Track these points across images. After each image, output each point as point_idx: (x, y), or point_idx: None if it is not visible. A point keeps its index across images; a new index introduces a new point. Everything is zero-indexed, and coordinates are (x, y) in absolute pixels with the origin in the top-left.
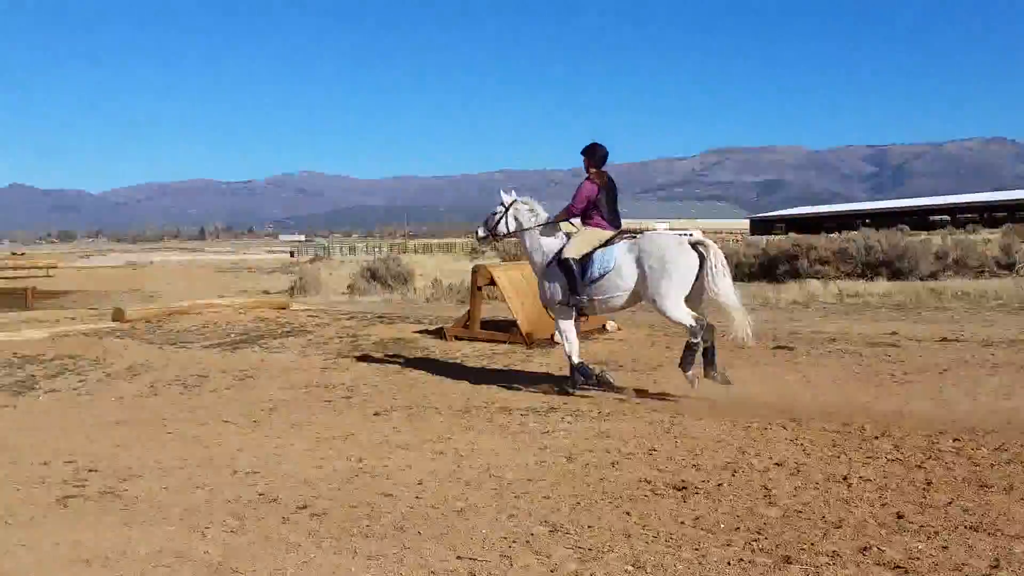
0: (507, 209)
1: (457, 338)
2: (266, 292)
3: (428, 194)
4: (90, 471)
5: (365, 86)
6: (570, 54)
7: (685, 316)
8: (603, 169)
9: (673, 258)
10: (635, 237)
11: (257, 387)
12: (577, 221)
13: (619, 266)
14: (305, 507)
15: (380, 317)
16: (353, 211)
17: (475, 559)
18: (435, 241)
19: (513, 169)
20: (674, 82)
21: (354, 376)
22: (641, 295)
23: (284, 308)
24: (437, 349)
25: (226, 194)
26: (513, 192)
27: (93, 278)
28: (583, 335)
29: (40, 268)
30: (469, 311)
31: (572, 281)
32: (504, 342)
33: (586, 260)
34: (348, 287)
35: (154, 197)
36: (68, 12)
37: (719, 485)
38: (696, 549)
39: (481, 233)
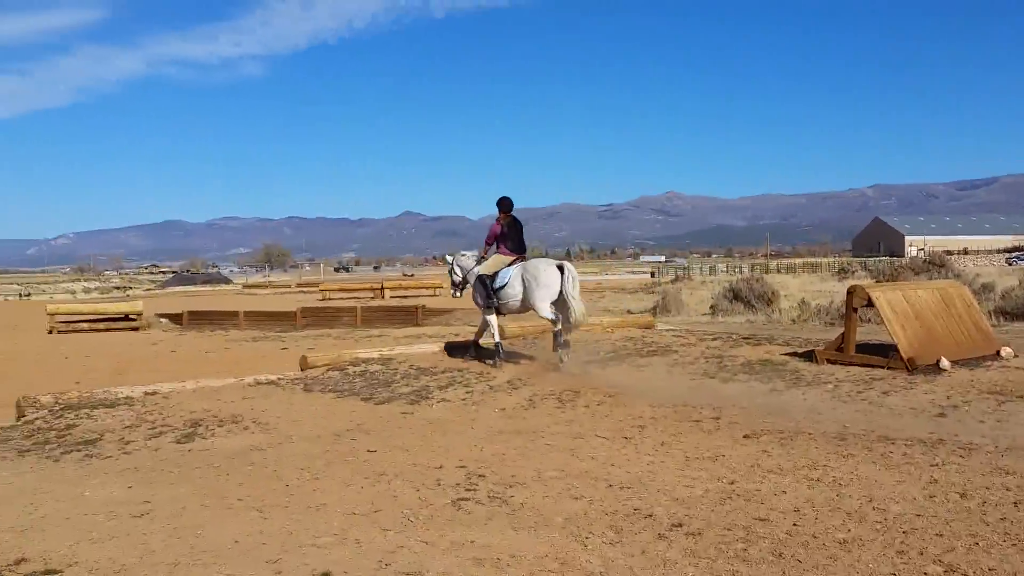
0: (452, 263)
1: (829, 361)
2: (629, 312)
3: (791, 212)
4: (479, 476)
5: (726, 104)
6: (967, 60)
7: (548, 313)
8: (510, 213)
9: (542, 275)
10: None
11: (626, 403)
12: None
13: (511, 281)
14: (680, 525)
15: (746, 338)
16: (713, 231)
17: None
18: (799, 260)
19: (886, 184)
20: None
21: (721, 397)
22: (526, 300)
23: (649, 327)
24: (807, 373)
25: (591, 217)
26: (458, 253)
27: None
28: (976, 361)
29: (427, 288)
30: (843, 333)
31: (487, 291)
32: (882, 367)
33: (494, 277)
34: (710, 307)
35: (526, 221)
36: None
37: None
38: None
39: (452, 291)
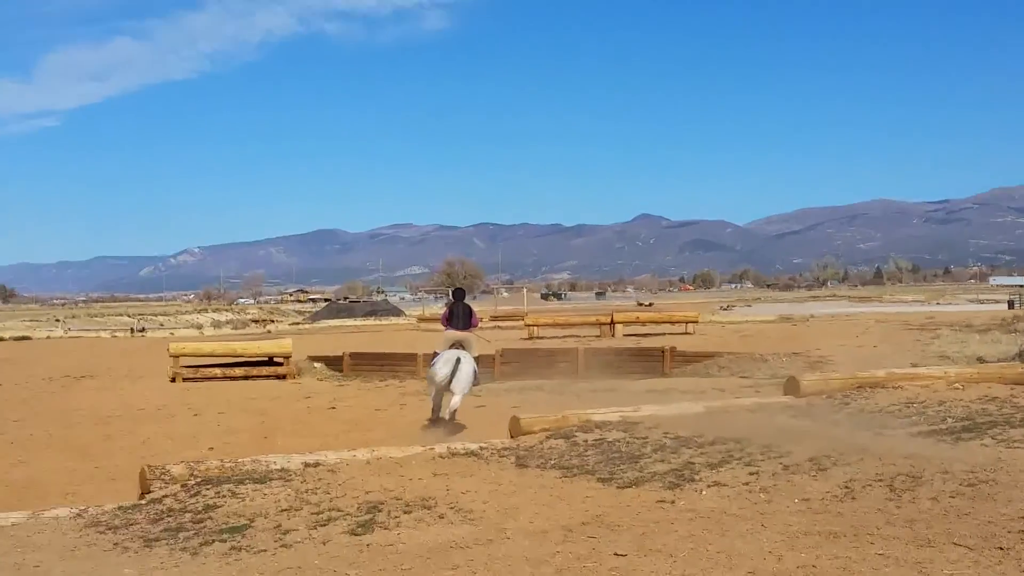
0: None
1: None
2: (981, 360)
3: None
4: None
5: None
6: None
7: (436, 384)
8: (457, 300)
9: (443, 362)
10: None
11: (996, 497)
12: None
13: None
14: None
15: None
16: None
17: None
18: None
19: None
20: None
21: None
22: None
23: (1021, 384)
24: None
25: (914, 219)
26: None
27: (739, 335)
28: None
29: (676, 322)
30: None
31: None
32: None
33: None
34: None
35: (813, 224)
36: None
37: None
38: None
39: None
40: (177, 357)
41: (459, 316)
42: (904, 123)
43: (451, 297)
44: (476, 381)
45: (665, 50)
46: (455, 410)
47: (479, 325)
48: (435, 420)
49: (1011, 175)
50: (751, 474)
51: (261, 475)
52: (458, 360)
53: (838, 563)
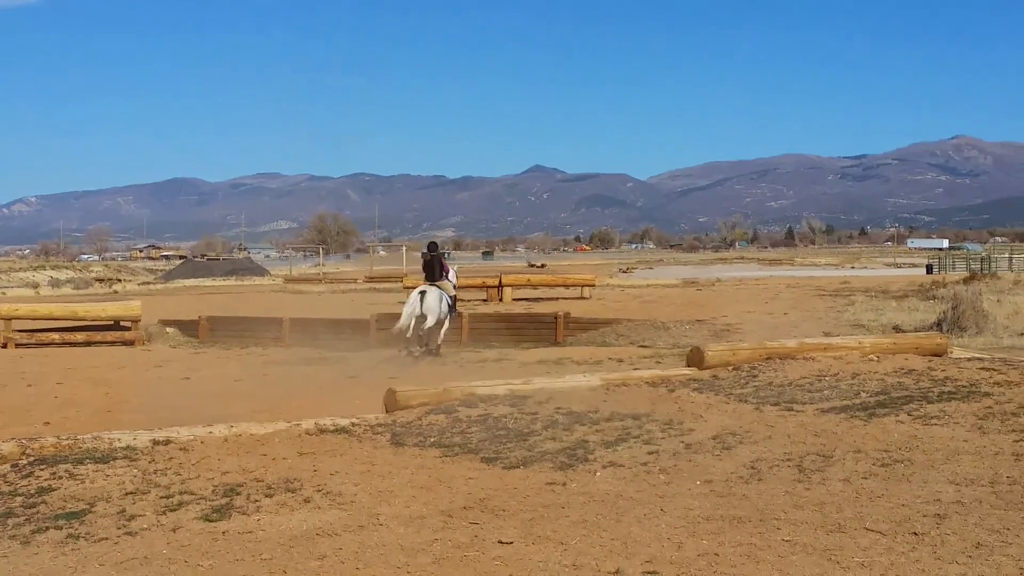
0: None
1: None
2: (897, 329)
3: None
4: None
5: None
6: None
7: (402, 320)
8: (431, 252)
9: (409, 299)
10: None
11: (911, 478)
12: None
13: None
14: None
15: None
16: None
17: None
18: None
19: None
20: None
21: None
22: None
23: (939, 354)
24: None
25: (830, 175)
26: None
27: (639, 300)
28: None
29: (571, 285)
30: None
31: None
32: None
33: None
34: None
35: (720, 180)
36: None
37: None
38: None
39: None
40: (9, 320)
41: (433, 269)
42: (819, 70)
43: (426, 250)
44: (452, 310)
45: None
46: (430, 328)
47: (451, 277)
48: (406, 346)
49: (933, 129)
50: (650, 453)
51: (103, 454)
52: (422, 292)
53: (742, 550)
